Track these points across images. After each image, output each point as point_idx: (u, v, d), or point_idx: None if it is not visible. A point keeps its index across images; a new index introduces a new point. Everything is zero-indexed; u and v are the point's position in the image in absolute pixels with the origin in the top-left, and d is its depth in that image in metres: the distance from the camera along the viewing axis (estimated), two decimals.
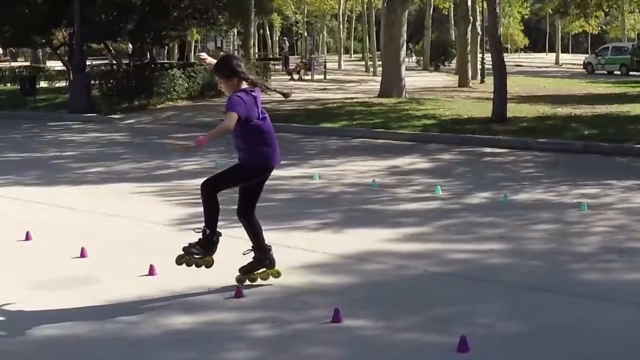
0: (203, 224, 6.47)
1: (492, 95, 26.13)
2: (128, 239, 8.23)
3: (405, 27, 24.23)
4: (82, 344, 5.39)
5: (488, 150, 15.16)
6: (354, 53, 73.27)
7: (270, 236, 8.12)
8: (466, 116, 19.23)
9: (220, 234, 6.54)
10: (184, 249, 6.49)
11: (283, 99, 7.10)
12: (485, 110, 20.27)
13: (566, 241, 8.12)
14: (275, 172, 12.20)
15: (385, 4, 27.29)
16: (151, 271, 6.87)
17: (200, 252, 6.46)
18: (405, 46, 25.10)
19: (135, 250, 7.71)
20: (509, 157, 14.45)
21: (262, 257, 6.58)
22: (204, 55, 7.05)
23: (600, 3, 24.21)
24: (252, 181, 6.51)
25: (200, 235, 6.47)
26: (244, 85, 6.29)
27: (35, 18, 24.74)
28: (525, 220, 9.08)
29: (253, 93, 6.27)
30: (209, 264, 6.57)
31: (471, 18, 32.41)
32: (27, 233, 8.22)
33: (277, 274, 6.66)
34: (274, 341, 5.42)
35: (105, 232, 8.54)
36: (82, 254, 7.49)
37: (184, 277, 6.69)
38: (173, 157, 14.05)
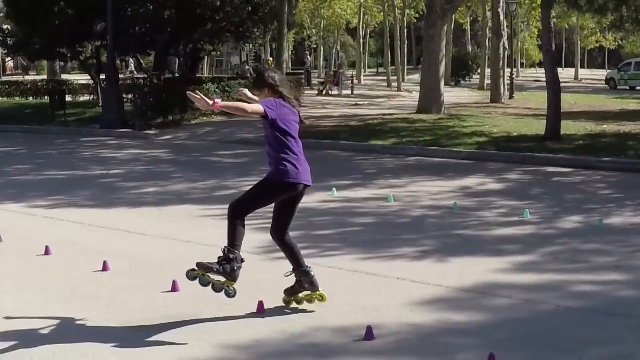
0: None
1: (528, 112, 25.88)
2: None
3: (444, 42, 23.60)
4: None
5: (551, 169, 14.50)
6: (367, 68, 72.69)
7: (372, 266, 7.57)
8: (516, 134, 18.54)
9: (243, 260, 6.10)
10: (199, 264, 6.12)
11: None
12: (532, 127, 19.62)
13: None
14: (345, 194, 11.79)
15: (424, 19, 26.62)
16: (260, 308, 6.19)
17: (219, 273, 6.03)
18: (444, 61, 24.47)
19: None
20: (576, 177, 13.81)
21: (303, 280, 6.22)
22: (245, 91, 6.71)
23: None
24: (279, 198, 6.10)
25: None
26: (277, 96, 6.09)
27: (64, 30, 24.14)
28: (632, 247, 8.52)
29: (285, 104, 6.05)
30: (230, 293, 6.06)
31: (504, 33, 31.64)
32: (105, 263, 7.56)
33: (322, 298, 6.30)
34: None
35: (188, 262, 7.80)
36: (174, 288, 6.82)
37: (298, 316, 6.08)
38: (229, 177, 13.41)
